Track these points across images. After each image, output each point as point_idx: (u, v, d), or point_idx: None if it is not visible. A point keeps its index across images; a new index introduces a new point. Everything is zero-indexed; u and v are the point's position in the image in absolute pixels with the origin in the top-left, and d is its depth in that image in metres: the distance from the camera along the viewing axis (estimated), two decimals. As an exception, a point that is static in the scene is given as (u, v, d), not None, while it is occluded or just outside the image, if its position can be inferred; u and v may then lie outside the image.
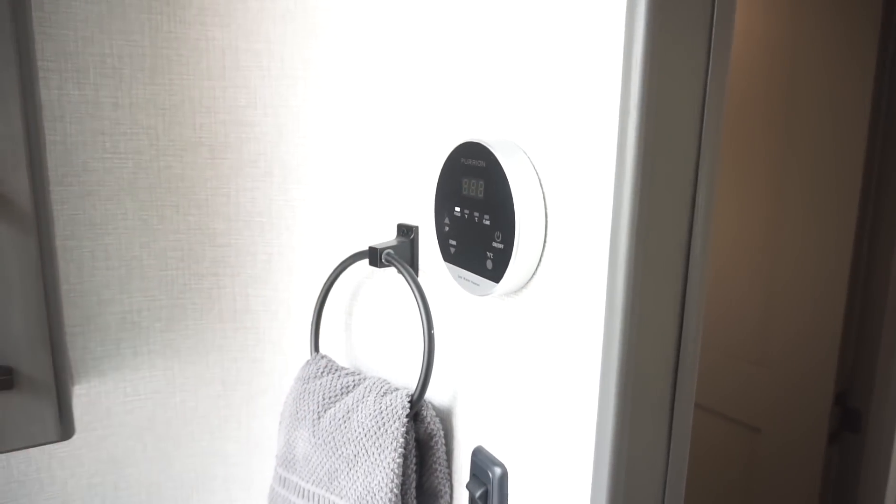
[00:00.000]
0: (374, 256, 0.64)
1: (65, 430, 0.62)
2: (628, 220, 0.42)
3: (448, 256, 0.56)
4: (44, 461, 0.74)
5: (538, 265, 0.50)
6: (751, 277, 1.29)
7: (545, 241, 0.49)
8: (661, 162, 0.42)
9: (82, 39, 0.67)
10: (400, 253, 0.65)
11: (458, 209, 0.54)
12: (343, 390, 0.66)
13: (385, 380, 0.65)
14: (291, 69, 0.73)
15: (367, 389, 0.63)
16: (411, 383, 0.68)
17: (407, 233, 0.66)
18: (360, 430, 0.61)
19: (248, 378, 0.81)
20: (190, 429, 0.81)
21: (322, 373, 0.68)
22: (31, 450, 0.73)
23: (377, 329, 0.71)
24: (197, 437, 0.81)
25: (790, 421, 1.25)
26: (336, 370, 0.69)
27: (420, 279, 0.65)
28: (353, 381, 0.66)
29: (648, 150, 0.41)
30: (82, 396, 0.75)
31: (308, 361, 0.71)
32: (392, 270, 0.68)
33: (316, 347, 0.72)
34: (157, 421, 0.79)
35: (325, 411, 0.65)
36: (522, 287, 0.52)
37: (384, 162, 0.67)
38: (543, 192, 0.49)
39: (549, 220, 0.49)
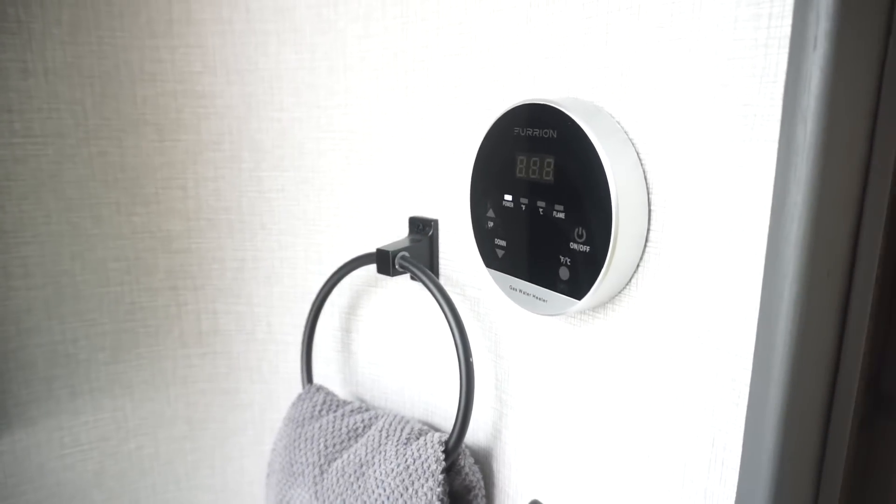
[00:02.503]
0: (385, 261, 0.49)
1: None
2: (803, 209, 0.28)
3: (493, 261, 0.42)
4: (-43, 540, 0.57)
5: (634, 273, 0.36)
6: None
7: (647, 240, 0.35)
8: (841, 127, 0.29)
9: (-29, -18, 0.49)
10: (415, 255, 0.51)
11: (509, 198, 0.40)
12: (350, 434, 0.51)
13: (403, 417, 0.51)
14: (261, 21, 0.56)
15: (384, 433, 0.49)
16: (435, 419, 0.54)
17: (423, 229, 0.52)
18: (380, 491, 0.46)
19: (221, 414, 0.65)
20: (150, 480, 0.65)
21: (321, 411, 0.53)
22: (-63, 529, 0.57)
23: (386, 351, 0.57)
24: (159, 489, 0.65)
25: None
26: (338, 407, 0.54)
27: (447, 289, 0.51)
28: (363, 420, 0.52)
29: (835, 106, 0.27)
30: (5, 454, 0.58)
31: (300, 396, 0.55)
32: (400, 277, 0.53)
33: (309, 377, 0.57)
34: (107, 475, 0.63)
35: (329, 464, 0.50)
36: (608, 302, 0.38)
37: (390, 138, 0.52)
38: (645, 172, 0.35)
39: (652, 209, 0.35)
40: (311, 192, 0.59)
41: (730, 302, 0.32)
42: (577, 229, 0.35)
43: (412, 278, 0.52)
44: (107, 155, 0.57)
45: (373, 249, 0.54)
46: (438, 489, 0.45)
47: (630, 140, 0.35)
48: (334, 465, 0.50)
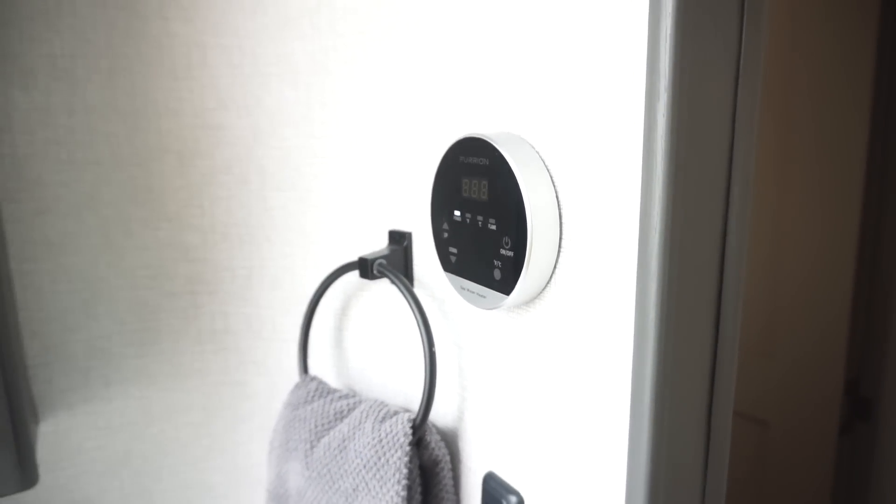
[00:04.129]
0: (365, 268, 0.58)
1: (25, 479, 0.55)
2: (661, 218, 0.36)
3: (448, 266, 0.51)
4: (8, 507, 0.67)
5: (553, 273, 0.44)
6: (756, 266, 1.25)
7: (560, 246, 0.43)
8: (695, 152, 0.37)
9: (28, 39, 0.60)
10: (393, 262, 0.60)
11: (458, 213, 0.48)
12: (337, 416, 0.60)
13: (383, 402, 0.59)
14: (265, 65, 0.66)
15: (364, 414, 0.57)
16: (412, 404, 0.62)
17: (400, 240, 0.61)
18: (359, 461, 0.55)
19: (232, 403, 0.75)
20: (170, 461, 0.74)
21: (313, 397, 0.62)
22: (-8, 496, 0.67)
23: (371, 346, 0.65)
24: (179, 469, 0.74)
25: (799, 412, 1.22)
26: (328, 393, 0.63)
27: (417, 291, 0.60)
28: (348, 405, 0.60)
29: (681, 139, 0.36)
30: (49, 434, 0.68)
31: (297, 384, 0.64)
32: (385, 281, 0.62)
33: (305, 368, 0.66)
34: (134, 455, 0.72)
35: (318, 440, 0.59)
36: (535, 298, 0.46)
37: (372, 163, 0.61)
38: (556, 190, 0.43)
39: (563, 222, 0.43)
40: (308, 210, 0.68)
41: (619, 297, 0.40)
42: (504, 238, 0.44)
43: (391, 283, 0.61)
44: (136, 179, 0.67)
45: (355, 257, 0.63)
46: (405, 458, 0.53)
47: (546, 167, 0.43)
48: (322, 441, 0.59)
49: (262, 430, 0.75)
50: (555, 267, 0.44)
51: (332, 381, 0.70)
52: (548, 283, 0.45)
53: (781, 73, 1.15)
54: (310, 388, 0.63)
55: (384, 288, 0.63)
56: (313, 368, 0.71)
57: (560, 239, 0.43)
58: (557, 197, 0.43)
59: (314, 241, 0.69)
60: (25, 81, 0.61)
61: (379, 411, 0.57)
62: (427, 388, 0.54)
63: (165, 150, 0.68)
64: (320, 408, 0.61)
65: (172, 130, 0.67)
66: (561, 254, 0.44)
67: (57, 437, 0.68)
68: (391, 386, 0.64)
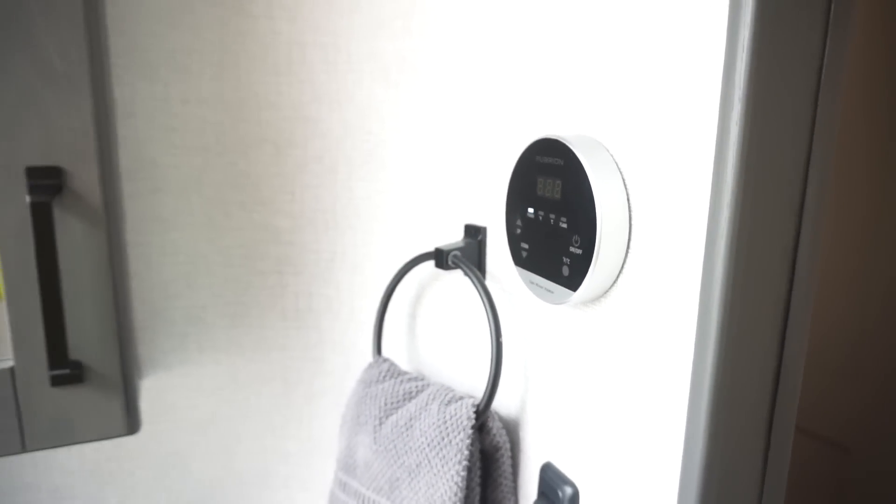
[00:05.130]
0: (441, 258, 0.61)
1: (131, 424, 0.62)
2: (728, 227, 0.37)
3: (519, 260, 0.53)
4: (113, 452, 0.75)
5: (620, 273, 0.46)
6: (844, 280, 1.19)
7: (628, 248, 0.45)
8: (767, 162, 0.37)
9: (152, 35, 0.67)
10: (467, 255, 0.62)
11: (531, 210, 0.50)
12: (405, 396, 0.63)
13: (449, 387, 0.62)
14: (358, 63, 0.71)
15: (431, 397, 0.61)
16: (477, 392, 0.65)
17: (475, 234, 0.63)
18: (423, 439, 0.58)
19: (310, 378, 0.80)
20: (252, 426, 0.80)
21: (384, 377, 0.66)
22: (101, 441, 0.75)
23: (442, 333, 0.69)
24: (259, 434, 0.81)
25: (885, 440, 1.15)
26: (398, 375, 0.66)
27: (488, 283, 0.62)
28: (416, 387, 0.64)
29: (753, 150, 0.36)
30: (150, 390, 0.76)
31: (370, 364, 0.69)
32: (459, 273, 0.65)
33: (378, 350, 0.70)
34: (221, 417, 0.79)
35: (386, 417, 0.63)
36: (601, 296, 0.48)
37: (453, 159, 0.64)
38: (628, 193, 0.44)
39: (633, 223, 0.44)
40: (389, 201, 0.72)
41: (683, 301, 0.41)
42: (574, 237, 0.46)
43: (464, 274, 0.64)
44: (236, 165, 0.73)
45: (432, 248, 0.67)
46: (468, 441, 0.56)
47: (619, 170, 0.45)
48: (391, 418, 0.62)
49: (335, 405, 0.80)
50: (622, 267, 0.45)
51: (403, 363, 0.73)
52: (614, 282, 0.46)
53: (883, 75, 1.09)
54: (382, 369, 0.67)
55: (457, 279, 0.66)
56: (386, 351, 0.75)
57: (629, 240, 0.45)
58: (629, 200, 0.44)
59: (394, 231, 0.72)
60: (149, 73, 0.68)
61: (445, 395, 0.61)
62: (492, 375, 0.57)
63: (264, 139, 0.73)
64: (391, 387, 0.64)
65: (271, 121, 0.73)
66: (629, 255, 0.45)
67: (157, 393, 0.76)
68: (458, 372, 0.67)
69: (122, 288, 0.63)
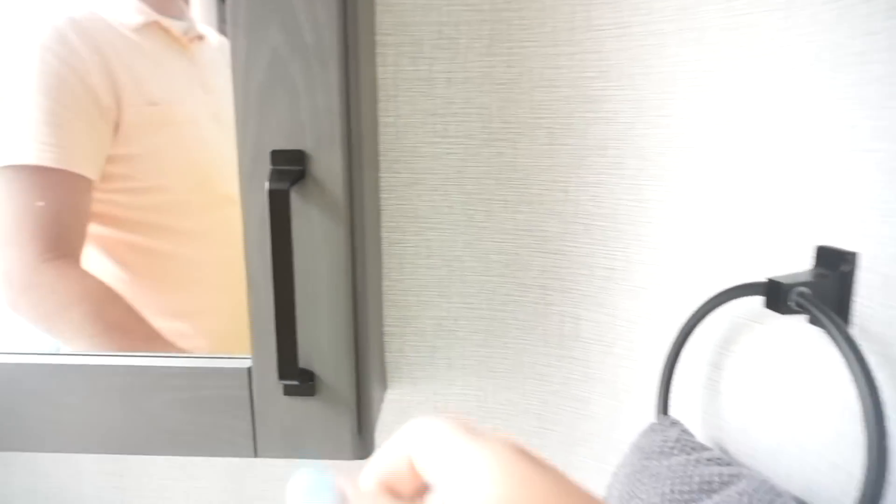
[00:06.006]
0: (777, 295, 0.41)
1: (363, 449, 0.55)
2: None
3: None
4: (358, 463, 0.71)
5: None
6: None
7: None
8: None
9: (420, 8, 0.59)
10: (820, 293, 0.41)
11: None
12: (702, 487, 0.44)
13: (773, 487, 0.42)
14: (661, 20, 0.53)
15: (745, 502, 0.41)
16: (817, 497, 0.42)
17: (834, 262, 0.41)
18: (731, 565, 0.39)
19: (570, 419, 0.65)
20: (498, 462, 0.69)
21: (672, 449, 0.48)
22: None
23: (762, 398, 0.48)
24: (505, 473, 0.69)
25: None
26: (693, 450, 0.47)
27: (858, 339, 0.39)
28: (720, 475, 0.44)
29: None
30: (394, 402, 0.69)
31: (652, 426, 0.51)
32: (800, 318, 0.43)
33: (664, 408, 0.52)
34: (465, 446, 0.69)
35: (672, 511, 0.45)
36: None
37: (795, 146, 0.43)
38: None
39: None
40: (693, 206, 0.53)
41: None
42: None
43: (810, 321, 0.42)
44: (502, 156, 0.62)
45: (761, 278, 0.46)
46: None
47: None
48: (678, 513, 0.44)
49: (598, 461, 0.64)
50: None
51: (698, 431, 0.54)
52: None
53: None
54: (668, 436, 0.49)
55: (797, 326, 0.44)
56: (675, 409, 0.56)
57: None
58: None
59: (697, 248, 0.53)
60: (414, 51, 0.60)
61: (771, 500, 0.40)
62: (868, 483, 0.35)
63: (536, 125, 0.60)
64: (681, 468, 0.46)
65: (545, 103, 0.59)
66: None
67: (401, 408, 0.69)
68: (787, 459, 0.45)
69: (363, 293, 0.56)
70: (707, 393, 0.53)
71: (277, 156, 0.44)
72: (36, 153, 0.59)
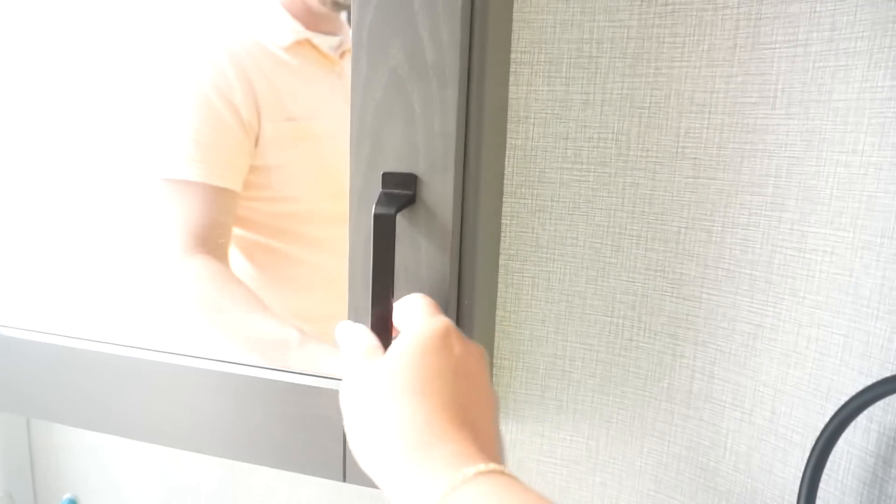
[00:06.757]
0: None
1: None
2: None
3: None
4: None
5: None
6: None
7: None
8: None
9: (560, 24, 0.55)
10: None
11: None
12: None
13: None
14: (848, 37, 0.45)
15: None
16: None
17: None
18: None
19: (691, 489, 0.57)
20: (606, 522, 0.62)
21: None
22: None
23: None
24: (613, 535, 0.62)
25: None
26: (843, 565, 0.39)
27: None
28: None
29: None
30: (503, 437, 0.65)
31: (791, 523, 0.42)
32: None
33: (810, 501, 0.43)
34: (570, 496, 0.63)
35: None
36: None
37: None
38: None
39: None
40: (874, 264, 0.44)
41: None
42: None
43: None
44: (638, 186, 0.56)
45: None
46: None
47: None
48: None
49: (723, 544, 0.56)
50: None
51: (853, 538, 0.44)
52: None
53: None
54: (812, 541, 0.40)
55: None
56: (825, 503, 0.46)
57: None
58: None
59: (871, 314, 0.44)
60: (550, 69, 0.56)
61: None
62: None
63: (681, 155, 0.54)
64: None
65: (693, 131, 0.53)
66: None
67: (507, 445, 0.65)
68: None
69: (479, 321, 0.53)
70: (870, 492, 0.43)
71: (388, 178, 0.43)
72: (185, 169, 0.65)
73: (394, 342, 0.38)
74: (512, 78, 0.57)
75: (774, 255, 0.50)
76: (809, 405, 0.49)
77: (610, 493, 0.62)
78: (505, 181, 0.59)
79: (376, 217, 0.40)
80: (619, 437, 0.60)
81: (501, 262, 0.61)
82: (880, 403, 0.43)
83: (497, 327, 0.62)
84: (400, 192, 0.42)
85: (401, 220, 0.43)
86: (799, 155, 0.48)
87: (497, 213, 0.59)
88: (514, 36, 0.56)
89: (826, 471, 0.47)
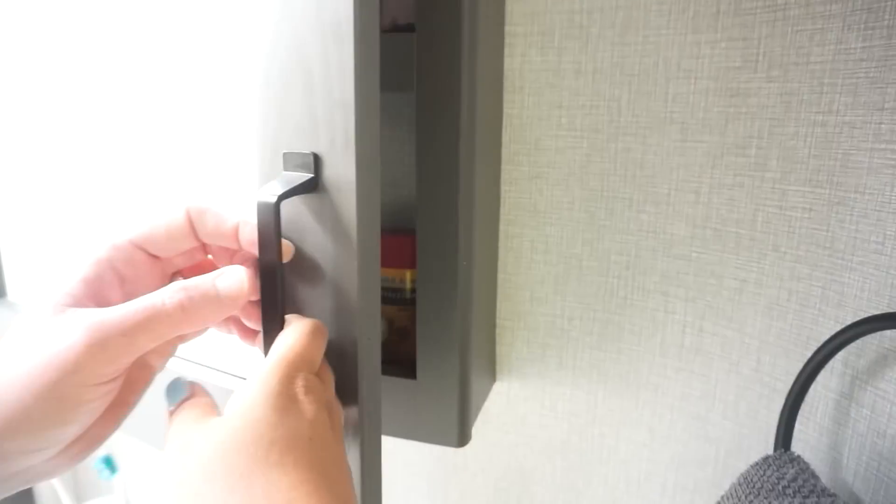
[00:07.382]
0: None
1: (461, 438, 0.56)
2: None
3: None
4: (460, 450, 0.72)
5: None
6: None
7: None
8: None
9: (552, -5, 0.57)
10: None
11: None
12: (816, 538, 0.39)
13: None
14: (824, 1, 0.46)
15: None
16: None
17: None
18: None
19: (684, 437, 0.61)
20: (604, 471, 0.66)
21: (786, 488, 0.43)
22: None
23: (908, 450, 0.41)
24: (611, 482, 0.66)
25: None
26: (813, 492, 0.42)
27: None
28: (840, 528, 0.39)
29: None
30: (501, 394, 0.69)
31: (766, 459, 0.46)
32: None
33: (786, 441, 0.46)
34: (571, 448, 0.67)
35: (776, 558, 0.40)
36: None
37: None
38: None
39: None
40: (850, 219, 0.46)
41: None
42: None
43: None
44: (630, 151, 0.58)
45: (917, 308, 0.39)
46: None
47: None
48: (783, 562, 0.39)
49: (711, 486, 0.59)
50: None
51: (823, 472, 0.47)
52: None
53: None
54: (784, 473, 0.43)
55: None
56: (799, 443, 0.50)
57: None
58: None
59: (846, 266, 0.46)
60: (543, 41, 0.58)
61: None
62: None
63: (669, 119, 0.56)
64: (793, 511, 0.41)
65: (681, 96, 0.55)
66: None
67: (508, 401, 0.69)
68: (931, 529, 0.39)
69: (479, 283, 0.56)
70: (835, 427, 0.46)
71: (290, 159, 0.36)
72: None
73: (234, 396, 0.31)
74: (507, 50, 0.60)
75: (758, 213, 0.53)
76: (791, 354, 0.52)
77: (608, 444, 0.65)
78: (502, 149, 0.62)
79: (258, 206, 0.34)
80: (616, 390, 0.64)
81: (501, 227, 0.64)
82: (853, 349, 0.46)
83: (499, 289, 0.66)
84: (300, 175, 0.36)
85: (302, 208, 0.37)
86: (779, 116, 0.51)
87: (496, 180, 0.62)
88: (508, 9, 0.59)
89: (805, 413, 0.50)
